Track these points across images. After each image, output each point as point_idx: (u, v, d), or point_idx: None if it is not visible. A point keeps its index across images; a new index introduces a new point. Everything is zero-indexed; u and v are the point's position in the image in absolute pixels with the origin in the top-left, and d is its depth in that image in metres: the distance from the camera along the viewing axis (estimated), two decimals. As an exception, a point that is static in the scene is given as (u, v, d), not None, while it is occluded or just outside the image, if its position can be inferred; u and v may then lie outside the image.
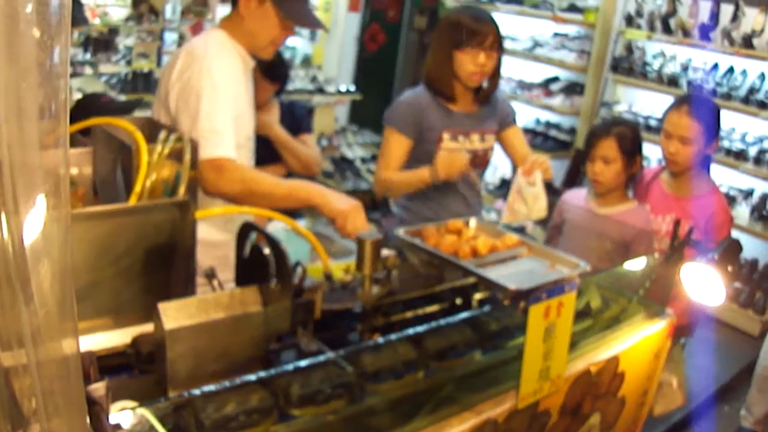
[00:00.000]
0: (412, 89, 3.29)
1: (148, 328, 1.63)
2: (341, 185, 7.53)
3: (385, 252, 1.88)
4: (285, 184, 2.56)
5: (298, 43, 8.02)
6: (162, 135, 1.91)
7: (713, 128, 3.28)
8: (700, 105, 3.28)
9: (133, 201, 1.82)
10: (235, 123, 2.58)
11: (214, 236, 2.67)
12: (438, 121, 3.17)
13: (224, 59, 2.65)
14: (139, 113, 3.39)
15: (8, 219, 0.91)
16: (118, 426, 1.28)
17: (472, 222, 2.29)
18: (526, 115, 7.90)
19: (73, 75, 6.89)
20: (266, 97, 3.53)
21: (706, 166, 3.39)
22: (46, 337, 0.95)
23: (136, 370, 1.63)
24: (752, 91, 6.06)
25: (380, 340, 1.78)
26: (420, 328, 1.77)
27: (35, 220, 0.91)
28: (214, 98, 2.53)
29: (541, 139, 7.56)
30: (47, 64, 0.89)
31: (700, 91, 6.19)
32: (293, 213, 4.34)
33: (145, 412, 1.31)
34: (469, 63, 3.09)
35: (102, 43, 7.99)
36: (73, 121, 2.09)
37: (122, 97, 5.96)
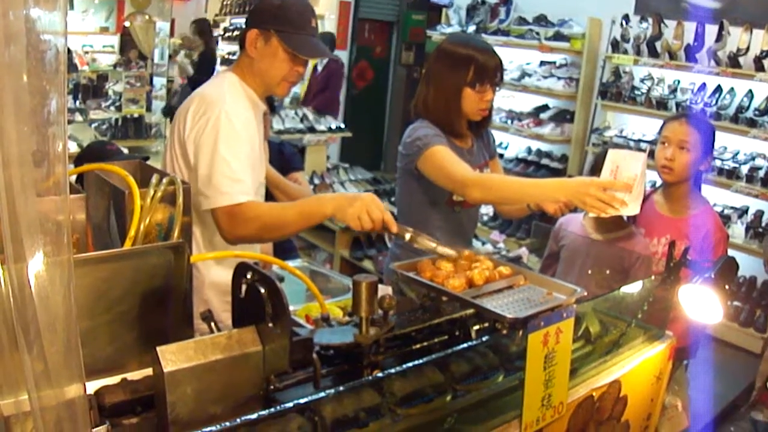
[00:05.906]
0: (417, 123, 3.10)
1: (146, 372, 1.62)
2: (336, 222, 7.53)
3: (382, 292, 1.86)
4: (292, 207, 2.54)
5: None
6: (154, 179, 1.91)
7: (708, 144, 3.30)
8: (698, 119, 3.31)
9: (127, 245, 1.82)
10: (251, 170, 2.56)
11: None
12: None
13: (240, 102, 2.64)
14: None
15: (8, 266, 0.91)
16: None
17: (467, 253, 2.28)
18: (518, 144, 7.94)
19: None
20: None
21: (697, 185, 3.40)
22: (54, 381, 0.95)
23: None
24: (741, 109, 6.11)
25: (380, 374, 1.76)
26: (420, 361, 1.77)
27: (36, 266, 0.92)
28: (233, 143, 2.51)
29: (534, 167, 7.60)
30: (44, 112, 0.90)
31: (692, 111, 6.24)
32: (289, 252, 4.35)
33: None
34: (480, 100, 3.01)
35: (91, 90, 8.03)
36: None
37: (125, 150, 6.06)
